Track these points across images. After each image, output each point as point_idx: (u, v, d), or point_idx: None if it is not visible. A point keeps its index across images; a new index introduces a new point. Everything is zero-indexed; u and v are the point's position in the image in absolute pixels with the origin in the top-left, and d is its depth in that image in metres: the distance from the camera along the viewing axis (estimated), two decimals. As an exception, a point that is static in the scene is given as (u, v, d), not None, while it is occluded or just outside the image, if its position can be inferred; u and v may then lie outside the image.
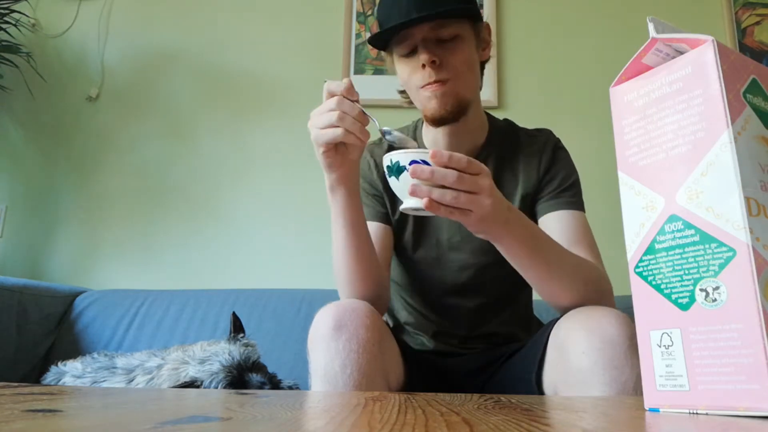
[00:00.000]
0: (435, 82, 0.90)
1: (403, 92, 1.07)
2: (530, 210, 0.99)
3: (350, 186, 0.83)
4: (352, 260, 0.87)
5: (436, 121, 0.94)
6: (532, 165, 1.00)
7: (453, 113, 0.92)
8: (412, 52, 0.93)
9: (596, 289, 0.85)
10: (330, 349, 0.76)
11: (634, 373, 0.70)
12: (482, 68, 1.01)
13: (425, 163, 0.66)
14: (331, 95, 0.75)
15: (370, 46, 1.99)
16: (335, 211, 0.86)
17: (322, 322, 0.78)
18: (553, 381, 0.79)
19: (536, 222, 0.98)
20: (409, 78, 0.94)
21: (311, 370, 0.79)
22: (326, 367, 0.75)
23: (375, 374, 0.76)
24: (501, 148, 1.02)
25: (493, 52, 1.03)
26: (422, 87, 0.92)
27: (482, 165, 0.70)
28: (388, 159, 0.69)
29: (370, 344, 0.76)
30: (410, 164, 0.67)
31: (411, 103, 1.05)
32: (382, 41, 0.95)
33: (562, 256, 0.83)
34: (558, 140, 1.04)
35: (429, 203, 0.66)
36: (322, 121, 0.75)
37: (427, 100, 0.92)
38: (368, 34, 2.01)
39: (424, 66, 0.90)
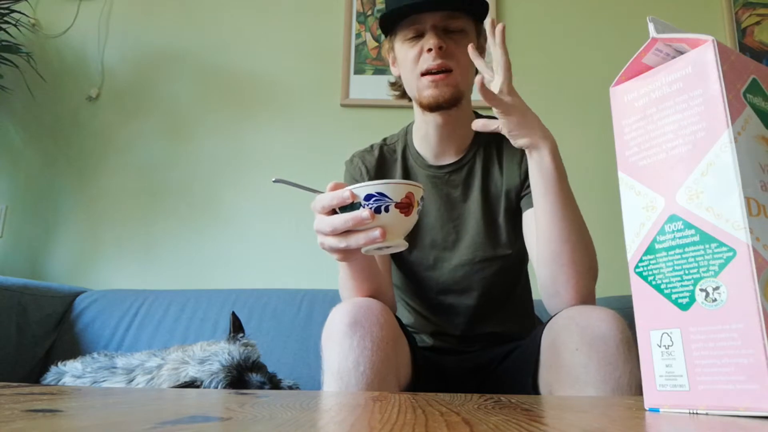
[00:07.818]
0: (438, 71, 0.93)
1: (393, 84, 1.08)
2: (515, 206, 1.01)
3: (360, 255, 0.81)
4: (359, 286, 0.89)
5: (432, 108, 0.96)
6: (515, 161, 1.02)
7: (448, 102, 0.95)
8: (418, 37, 0.95)
9: (594, 273, 0.87)
10: (344, 346, 0.75)
11: (627, 368, 0.70)
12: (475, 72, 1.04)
13: (382, 195, 0.64)
14: (325, 209, 0.70)
15: (370, 46, 2.00)
16: (344, 269, 0.86)
17: (337, 320, 0.78)
18: (547, 381, 0.79)
19: (520, 219, 1.00)
20: (412, 63, 0.95)
21: (324, 367, 0.78)
22: (339, 364, 0.75)
23: (387, 372, 0.76)
24: (487, 145, 1.04)
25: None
26: (424, 74, 0.94)
27: None
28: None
29: (384, 342, 0.76)
30: (366, 199, 0.65)
31: (400, 96, 1.06)
32: (390, 23, 0.97)
33: (581, 220, 0.86)
34: None
35: None
36: (329, 242, 0.72)
37: (426, 88, 0.95)
38: (368, 35, 2.01)
39: (429, 50, 0.92)
